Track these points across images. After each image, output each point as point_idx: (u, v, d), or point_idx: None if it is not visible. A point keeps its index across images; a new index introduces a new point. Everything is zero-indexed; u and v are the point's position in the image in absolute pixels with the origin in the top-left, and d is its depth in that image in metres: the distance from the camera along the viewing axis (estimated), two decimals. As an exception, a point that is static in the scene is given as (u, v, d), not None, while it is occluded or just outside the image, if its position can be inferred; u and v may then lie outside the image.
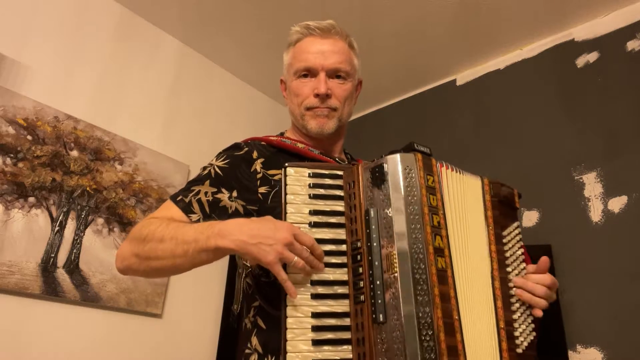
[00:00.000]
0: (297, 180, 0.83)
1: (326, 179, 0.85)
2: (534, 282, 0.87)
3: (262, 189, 0.96)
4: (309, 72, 1.04)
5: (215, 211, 0.92)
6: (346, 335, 0.75)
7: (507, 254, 0.89)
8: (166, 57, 2.54)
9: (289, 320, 0.75)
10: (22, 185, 1.85)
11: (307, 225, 0.81)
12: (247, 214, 0.94)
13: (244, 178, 0.96)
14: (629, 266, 1.82)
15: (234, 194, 0.95)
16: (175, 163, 2.40)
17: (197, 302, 2.35)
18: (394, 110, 2.98)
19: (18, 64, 1.95)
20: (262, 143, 1.04)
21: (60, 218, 1.92)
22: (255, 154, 1.00)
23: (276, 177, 0.96)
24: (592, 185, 2.02)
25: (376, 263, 0.76)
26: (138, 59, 2.41)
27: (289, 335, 0.74)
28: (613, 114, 2.05)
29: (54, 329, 1.84)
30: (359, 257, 0.78)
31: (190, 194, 0.94)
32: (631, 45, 2.09)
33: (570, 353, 1.85)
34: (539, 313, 0.86)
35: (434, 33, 2.44)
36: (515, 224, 0.93)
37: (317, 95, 1.02)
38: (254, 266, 0.95)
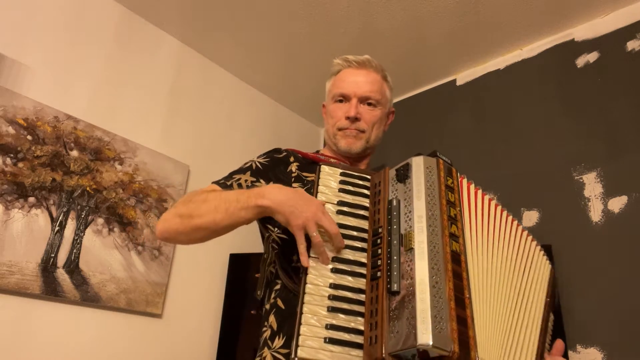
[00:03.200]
0: (329, 176, 0.93)
1: (355, 179, 0.95)
2: None
3: (295, 185, 1.06)
4: (344, 98, 1.18)
5: None
6: (360, 308, 0.80)
7: (549, 329, 0.96)
8: (166, 57, 2.54)
9: (308, 286, 0.80)
10: (22, 185, 1.85)
11: (334, 212, 0.89)
12: None
13: (280, 174, 1.09)
14: (629, 266, 1.82)
15: (271, 184, 1.04)
16: (175, 163, 2.40)
17: (197, 302, 2.35)
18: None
19: (18, 64, 1.95)
20: (299, 155, 1.16)
21: (60, 218, 1.92)
22: (292, 159, 1.13)
23: (309, 178, 1.06)
24: (592, 185, 2.02)
25: (394, 242, 0.82)
26: (138, 59, 2.41)
27: (306, 298, 0.79)
28: (613, 114, 2.05)
29: (54, 329, 1.84)
30: (379, 241, 0.85)
31: (232, 179, 1.07)
32: (631, 45, 2.09)
33: (570, 353, 1.85)
34: None
35: (434, 33, 2.44)
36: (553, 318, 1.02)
37: (347, 118, 1.15)
38: (275, 230, 1.04)
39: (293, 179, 1.07)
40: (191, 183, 2.46)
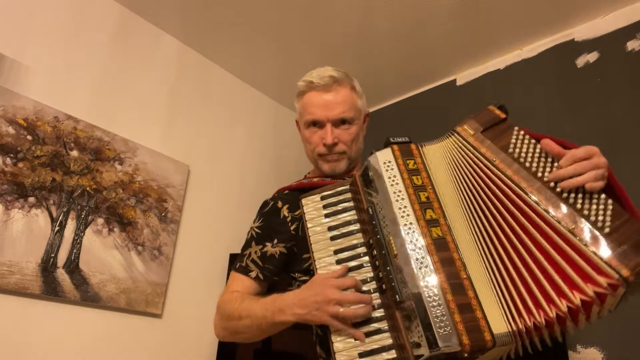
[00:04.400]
0: (312, 208, 0.97)
1: (335, 197, 0.97)
2: (567, 164, 0.80)
3: (292, 227, 1.11)
4: (316, 124, 1.17)
5: (267, 261, 1.10)
6: (383, 325, 0.83)
7: (527, 163, 0.84)
8: (166, 57, 2.54)
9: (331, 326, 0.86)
10: (22, 185, 1.85)
11: (328, 239, 0.92)
12: (290, 250, 1.10)
13: (277, 225, 1.13)
14: (629, 266, 1.82)
15: (275, 241, 1.11)
16: (175, 163, 2.40)
17: (197, 302, 2.35)
18: (394, 110, 2.98)
19: (18, 64, 1.95)
20: (285, 192, 1.20)
21: (60, 218, 1.92)
22: (280, 204, 1.16)
23: (300, 215, 1.08)
24: (592, 185, 2.02)
25: (383, 252, 0.84)
26: (138, 59, 2.41)
27: (333, 337, 0.84)
28: (613, 114, 2.05)
29: (54, 329, 1.84)
30: (374, 252, 0.87)
31: (244, 258, 1.13)
32: (631, 45, 2.09)
33: (570, 353, 1.85)
34: (595, 185, 0.77)
35: (434, 33, 2.44)
36: (514, 132, 0.89)
37: (325, 145, 1.15)
38: (298, 276, 1.10)
39: (290, 223, 1.11)
40: (191, 183, 2.46)
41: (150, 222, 2.22)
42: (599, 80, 2.14)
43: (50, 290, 1.83)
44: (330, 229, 0.94)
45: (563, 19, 2.28)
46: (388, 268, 0.81)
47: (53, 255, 1.87)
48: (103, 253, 2.02)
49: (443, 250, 0.79)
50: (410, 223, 0.82)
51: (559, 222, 0.75)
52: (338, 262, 0.90)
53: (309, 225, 0.96)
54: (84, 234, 1.98)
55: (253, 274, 1.09)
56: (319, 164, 1.19)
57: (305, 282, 1.04)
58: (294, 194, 1.15)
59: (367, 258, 0.89)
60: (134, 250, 2.12)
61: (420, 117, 2.81)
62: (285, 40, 2.57)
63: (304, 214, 0.97)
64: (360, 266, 0.89)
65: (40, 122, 1.95)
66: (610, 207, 0.75)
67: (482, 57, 2.58)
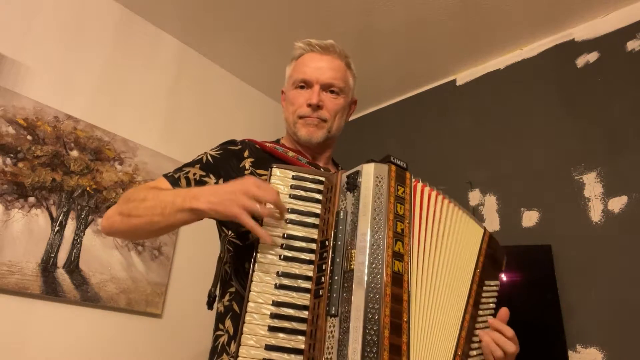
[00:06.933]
0: (280, 181, 0.89)
1: (307, 183, 0.90)
2: (500, 332, 0.91)
3: None
4: (306, 84, 1.11)
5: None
6: (302, 326, 0.79)
7: (483, 300, 0.94)
8: (166, 57, 2.54)
9: (249, 304, 0.80)
10: (22, 185, 1.85)
11: (284, 221, 0.86)
12: None
13: (232, 170, 1.03)
14: (629, 266, 1.82)
15: (220, 181, 1.01)
16: (175, 163, 2.38)
17: (197, 302, 2.35)
18: (393, 110, 2.98)
19: (18, 64, 1.95)
20: (257, 146, 1.11)
21: (60, 218, 1.92)
22: (246, 153, 1.07)
23: (263, 177, 0.99)
24: (592, 185, 2.02)
25: (337, 260, 0.81)
26: (138, 58, 2.41)
27: (247, 318, 0.79)
28: (613, 114, 2.05)
29: (54, 329, 1.84)
30: (324, 254, 0.83)
31: (180, 172, 1.05)
32: (631, 45, 2.09)
33: (570, 353, 1.85)
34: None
35: (434, 33, 2.44)
36: (497, 282, 1.00)
37: (309, 105, 1.09)
38: (229, 234, 1.03)
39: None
40: (191, 183, 2.46)
41: (150, 222, 2.22)
42: (599, 80, 2.14)
43: (50, 290, 1.83)
44: (291, 211, 0.87)
45: (563, 19, 2.28)
46: (336, 278, 0.79)
47: (53, 255, 1.87)
48: (103, 253, 2.02)
49: (397, 285, 0.78)
50: (379, 246, 0.80)
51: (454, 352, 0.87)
52: (284, 246, 0.84)
53: None
54: (84, 234, 1.98)
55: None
56: (297, 128, 1.11)
57: (235, 242, 1.01)
58: (263, 154, 1.08)
59: (314, 256, 0.84)
60: (134, 250, 2.12)
61: (420, 118, 2.81)
62: (284, 40, 2.56)
63: (270, 184, 0.88)
64: (303, 260, 0.84)
65: (40, 122, 1.95)
66: None
67: (482, 57, 2.58)
